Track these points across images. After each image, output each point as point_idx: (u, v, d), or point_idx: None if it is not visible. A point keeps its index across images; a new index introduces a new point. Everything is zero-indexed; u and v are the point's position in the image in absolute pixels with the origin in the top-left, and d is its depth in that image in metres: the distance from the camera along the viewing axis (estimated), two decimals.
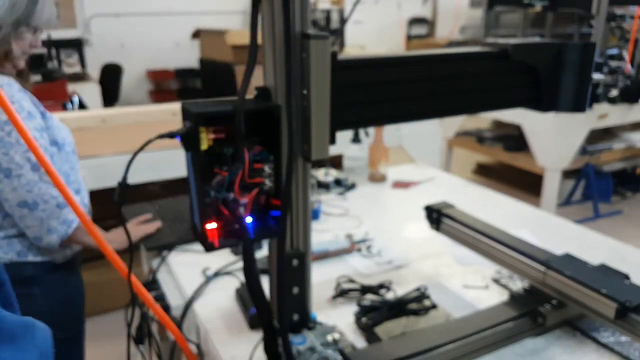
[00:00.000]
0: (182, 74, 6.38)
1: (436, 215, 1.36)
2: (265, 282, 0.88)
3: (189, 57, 6.23)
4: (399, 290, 1.21)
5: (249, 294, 0.86)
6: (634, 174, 4.66)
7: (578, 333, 1.08)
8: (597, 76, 1.11)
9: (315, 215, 1.70)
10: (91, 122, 2.59)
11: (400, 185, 2.03)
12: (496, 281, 1.30)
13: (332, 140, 0.84)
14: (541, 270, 1.09)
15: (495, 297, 1.23)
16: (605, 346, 1.04)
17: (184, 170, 0.82)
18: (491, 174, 5.16)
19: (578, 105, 1.05)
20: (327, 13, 4.73)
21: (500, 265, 1.20)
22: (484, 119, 4.88)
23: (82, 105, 3.81)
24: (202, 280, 1.29)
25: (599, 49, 1.26)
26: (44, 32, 1.46)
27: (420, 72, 0.93)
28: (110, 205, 0.95)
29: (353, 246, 1.46)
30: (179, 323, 1.19)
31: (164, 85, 6.71)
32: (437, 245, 1.50)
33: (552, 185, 3.59)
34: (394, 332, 1.04)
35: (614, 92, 3.50)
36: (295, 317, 0.96)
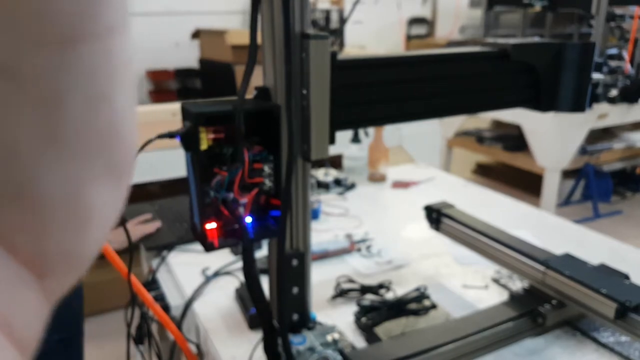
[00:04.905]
0: (182, 73, 6.37)
1: (436, 215, 1.36)
2: (264, 282, 0.89)
3: (188, 57, 6.23)
4: (399, 290, 1.21)
5: (248, 294, 0.86)
6: (634, 174, 4.66)
7: (578, 333, 1.09)
8: (596, 76, 1.11)
9: (315, 215, 1.70)
10: None
11: (400, 185, 2.03)
12: (496, 281, 1.30)
13: (332, 140, 0.84)
14: (541, 270, 1.09)
15: (495, 297, 1.23)
16: (605, 346, 1.04)
17: (184, 170, 0.82)
18: (491, 174, 5.17)
19: (578, 105, 1.05)
20: (327, 13, 4.72)
21: (500, 265, 1.20)
22: (484, 119, 4.88)
23: None
24: (201, 280, 1.29)
25: (598, 49, 1.26)
26: None
27: (420, 72, 0.93)
28: None
29: (353, 246, 1.46)
30: (178, 323, 1.19)
31: (164, 85, 6.70)
32: (437, 245, 1.50)
33: (551, 185, 3.59)
34: (393, 332, 1.04)
35: (614, 92, 3.50)
36: (295, 317, 0.96)
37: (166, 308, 1.22)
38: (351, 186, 1.99)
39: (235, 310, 1.18)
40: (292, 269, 0.92)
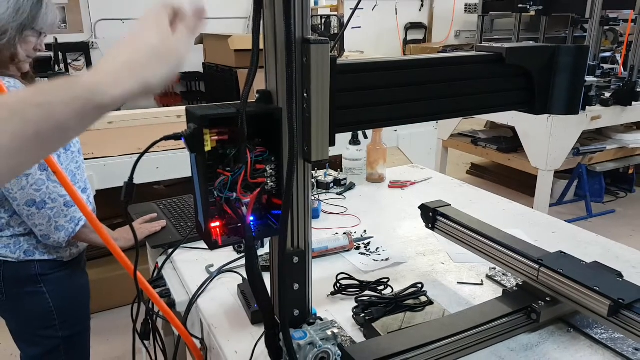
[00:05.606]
0: (187, 77, 6.40)
1: (431, 214, 1.37)
2: (266, 279, 0.91)
3: (193, 61, 6.28)
4: (396, 286, 1.24)
5: (251, 291, 0.88)
6: (627, 174, 4.69)
7: (571, 329, 1.10)
8: (590, 79, 1.11)
9: (316, 214, 1.73)
10: (98, 124, 2.62)
11: (397, 185, 2.05)
12: (490, 278, 1.32)
13: (332, 142, 0.85)
14: (535, 268, 1.10)
15: (489, 293, 1.26)
16: (598, 342, 1.06)
17: (188, 170, 0.84)
18: (485, 174, 5.19)
19: (571, 108, 1.05)
20: (327, 18, 4.75)
21: (495, 263, 1.21)
22: (479, 121, 4.91)
23: None
24: (205, 277, 1.31)
25: (592, 52, 1.28)
26: (50, 36, 1.49)
27: (417, 75, 0.94)
28: (116, 204, 0.98)
29: (352, 244, 1.48)
30: (183, 319, 1.21)
31: (169, 88, 6.74)
32: (434, 243, 1.53)
33: (545, 186, 3.61)
34: (391, 328, 1.06)
35: (607, 95, 3.51)
36: (296, 312, 0.97)
37: (171, 304, 1.24)
38: (350, 186, 2.02)
39: (237, 306, 1.20)
40: (293, 266, 0.93)
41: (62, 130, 0.55)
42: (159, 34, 0.62)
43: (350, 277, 1.27)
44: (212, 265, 1.37)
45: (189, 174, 0.84)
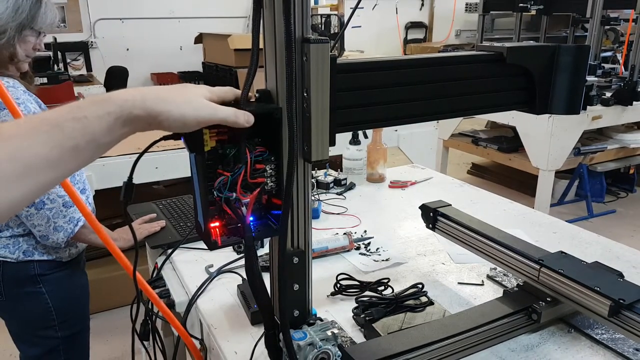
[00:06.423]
0: (186, 76, 6.42)
1: (432, 214, 1.37)
2: (266, 279, 0.91)
3: (192, 60, 6.30)
4: (397, 287, 1.24)
5: (250, 291, 0.87)
6: (628, 174, 4.70)
7: (572, 330, 1.10)
8: (591, 78, 1.10)
9: (316, 214, 1.72)
10: None
11: (397, 185, 2.05)
12: (491, 278, 1.32)
13: (332, 142, 0.85)
14: (535, 268, 1.10)
15: (490, 294, 1.25)
16: (599, 343, 1.06)
17: (188, 170, 0.83)
18: (486, 174, 5.19)
19: (572, 107, 1.05)
20: (327, 17, 4.76)
21: (495, 263, 1.21)
22: (480, 121, 4.91)
23: None
24: (205, 278, 1.31)
25: (593, 52, 1.28)
26: (50, 35, 1.49)
27: (418, 75, 0.94)
28: (115, 204, 0.97)
29: (352, 244, 1.48)
30: (182, 319, 1.21)
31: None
32: (434, 243, 1.53)
33: (546, 185, 3.61)
34: (391, 328, 1.06)
35: (608, 95, 3.52)
36: (296, 313, 0.97)
37: (170, 305, 1.24)
38: (350, 186, 2.02)
39: (237, 307, 1.20)
40: (293, 267, 0.93)
41: (95, 143, 0.62)
42: (200, 89, 0.72)
43: (351, 278, 1.27)
44: (211, 266, 1.37)
45: (189, 174, 0.84)
